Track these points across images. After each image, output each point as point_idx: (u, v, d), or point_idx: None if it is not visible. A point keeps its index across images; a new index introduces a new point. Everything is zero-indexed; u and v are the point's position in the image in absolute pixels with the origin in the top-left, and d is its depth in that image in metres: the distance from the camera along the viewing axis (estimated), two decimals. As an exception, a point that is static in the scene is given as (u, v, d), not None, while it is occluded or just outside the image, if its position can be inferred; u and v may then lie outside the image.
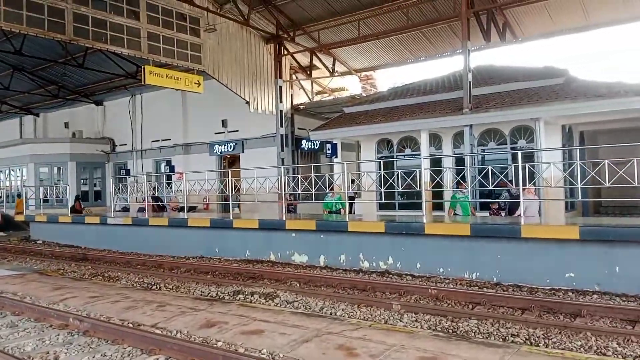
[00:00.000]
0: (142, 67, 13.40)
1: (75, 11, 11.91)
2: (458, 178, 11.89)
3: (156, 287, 8.58)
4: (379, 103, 14.89)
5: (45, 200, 21.07)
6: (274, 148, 18.88)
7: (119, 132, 24.45)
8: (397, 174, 9.99)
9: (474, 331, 5.67)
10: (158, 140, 22.85)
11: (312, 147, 20.12)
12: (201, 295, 7.86)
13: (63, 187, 18.72)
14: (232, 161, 22.39)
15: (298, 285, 8.32)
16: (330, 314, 6.47)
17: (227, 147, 20.34)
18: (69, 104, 25.81)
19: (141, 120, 23.39)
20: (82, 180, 24.12)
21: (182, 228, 12.67)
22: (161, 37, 13.74)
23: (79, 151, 24.05)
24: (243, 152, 19.98)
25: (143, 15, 13.17)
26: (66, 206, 20.56)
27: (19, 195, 21.90)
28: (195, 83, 14.52)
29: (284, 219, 10.98)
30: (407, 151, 14.72)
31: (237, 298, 7.47)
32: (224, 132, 20.53)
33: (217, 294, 7.87)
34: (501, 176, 9.56)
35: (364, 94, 18.69)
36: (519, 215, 8.73)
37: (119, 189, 17.69)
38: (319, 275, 8.94)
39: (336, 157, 14.74)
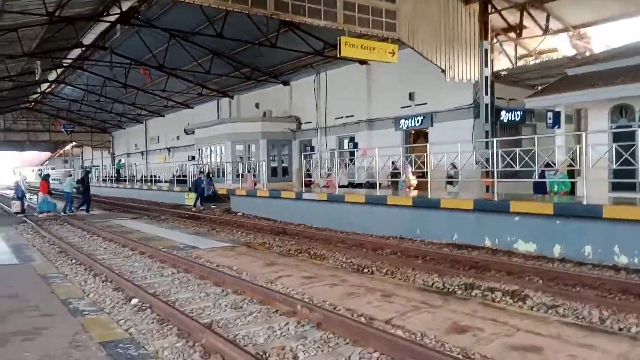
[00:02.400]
0: (338, 38, 12.80)
1: (276, -15, 11.73)
2: None
3: (368, 271, 7.81)
4: (615, 61, 12.08)
5: (241, 175, 22.56)
6: (467, 121, 17.08)
7: (304, 110, 24.92)
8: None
9: None
10: (342, 117, 22.65)
11: (513, 118, 17.71)
12: (424, 285, 6.82)
13: (258, 163, 19.57)
14: (416, 136, 21.14)
15: (541, 282, 6.75)
16: (620, 329, 4.84)
17: (414, 121, 19.11)
18: (259, 86, 27.17)
19: (325, 98, 23.41)
20: (271, 157, 25.26)
21: (380, 206, 11.88)
22: (356, 5, 12.95)
23: (269, 129, 25.19)
24: (432, 125, 18.55)
25: (339, -17, 12.52)
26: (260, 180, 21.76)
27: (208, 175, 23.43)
28: (389, 52, 13.52)
29: (506, 200, 9.35)
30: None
31: (473, 294, 6.24)
32: (410, 106, 19.31)
33: (443, 285, 6.74)
34: None
35: (587, 54, 15.65)
36: None
37: (306, 164, 17.85)
38: (571, 271, 7.21)
39: (559, 127, 12.42)
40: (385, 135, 20.00)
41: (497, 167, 10.97)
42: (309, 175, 18.64)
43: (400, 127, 19.63)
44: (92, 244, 11.34)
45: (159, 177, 32.72)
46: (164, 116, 38.55)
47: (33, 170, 60.61)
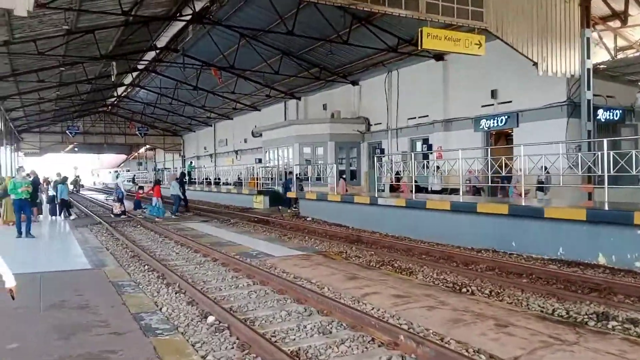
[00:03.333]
0: (419, 30, 11.81)
1: (354, -26, 10.93)
2: None
3: (467, 290, 6.79)
4: None
5: (306, 179, 21.98)
6: (559, 120, 15.46)
7: (374, 110, 23.96)
8: None
9: None
10: (414, 118, 21.47)
11: (611, 117, 16.02)
12: (542, 311, 5.72)
13: (328, 165, 18.88)
14: (497, 138, 19.63)
15: (692, 314, 5.47)
16: None
17: (497, 121, 17.64)
18: (327, 86, 26.53)
19: (397, 98, 22.34)
20: (339, 160, 24.50)
21: (468, 214, 10.75)
22: (440, -8, 11.90)
23: (337, 131, 24.46)
24: (517, 126, 17.00)
25: (420, -30, 11.53)
26: (326, 184, 21.07)
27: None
28: (475, 44, 12.34)
29: (629, 210, 7.99)
30: None
31: (610, 326, 5.09)
32: (493, 105, 17.85)
33: (567, 313, 5.62)
34: None
35: None
36: None
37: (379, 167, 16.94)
38: None
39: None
40: (464, 136, 18.65)
41: (606, 171, 9.60)
42: (398, 180, 17.73)
43: (481, 127, 18.21)
44: (164, 248, 11.05)
45: (227, 179, 32.99)
46: (232, 119, 38.93)
47: (110, 172, 63.67)
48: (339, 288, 6.86)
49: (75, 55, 21.62)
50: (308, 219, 17.09)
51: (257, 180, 26.13)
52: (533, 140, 13.63)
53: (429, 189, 17.39)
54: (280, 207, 20.11)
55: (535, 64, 13.59)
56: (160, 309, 5.82)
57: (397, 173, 18.61)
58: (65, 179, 21.16)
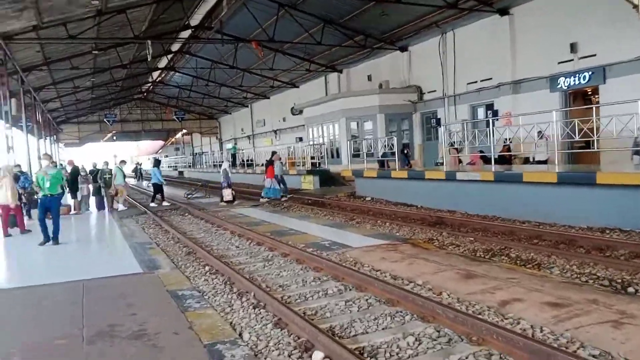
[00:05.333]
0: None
1: None
2: None
3: (635, 290, 5.06)
4: None
5: (356, 155, 20.23)
6: (658, 73, 13.20)
7: (427, 78, 21.90)
8: None
9: None
10: (476, 82, 19.33)
11: None
12: None
13: (388, 140, 17.14)
14: (574, 98, 17.34)
15: None
16: None
17: (579, 78, 15.38)
18: (372, 55, 24.54)
19: (454, 61, 20.21)
20: (390, 133, 22.65)
21: (582, 187, 8.88)
22: None
23: (387, 102, 22.59)
24: (604, 82, 14.75)
25: None
26: (374, 160, 19.29)
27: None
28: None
29: None
30: None
31: None
32: (572, 60, 15.58)
33: None
34: None
35: None
36: None
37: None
38: None
39: None
40: (536, 98, 16.49)
41: None
42: (457, 151, 15.90)
43: (559, 86, 15.98)
44: (220, 240, 9.67)
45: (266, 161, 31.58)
46: (269, 98, 37.44)
47: (149, 159, 63.51)
48: (460, 292, 5.25)
49: (108, 38, 20.42)
50: (367, 198, 15.51)
51: (304, 159, 24.64)
52: (623, 98, 11.43)
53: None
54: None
55: (636, 6, 11.32)
56: (241, 336, 4.34)
57: (460, 144, 16.67)
58: (159, 162, 20.11)
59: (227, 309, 5.16)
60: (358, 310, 4.91)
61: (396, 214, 11.77)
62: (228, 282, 6.21)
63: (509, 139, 14.23)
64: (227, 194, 17.22)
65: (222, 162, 21.18)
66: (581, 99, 17.24)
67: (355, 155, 20.16)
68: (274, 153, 18.96)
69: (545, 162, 13.75)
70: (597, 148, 11.17)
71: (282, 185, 17.61)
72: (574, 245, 7.27)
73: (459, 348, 3.85)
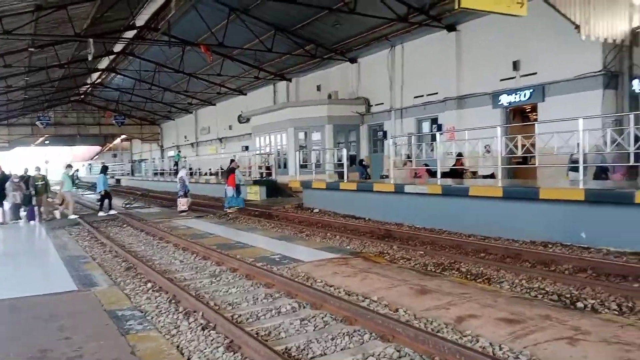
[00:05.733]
0: (457, -14, 10.05)
1: None
2: None
3: (584, 306, 5.17)
4: None
5: (304, 166, 20.07)
6: (593, 93, 13.96)
7: (375, 90, 22.17)
8: None
9: None
10: (422, 96, 19.75)
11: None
12: None
13: (337, 150, 17.08)
14: (514, 115, 18.06)
15: None
16: None
17: (520, 96, 16.05)
18: (321, 65, 24.60)
19: (402, 75, 20.58)
20: (338, 144, 22.70)
21: (524, 202, 9.14)
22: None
23: (336, 113, 22.65)
24: (543, 100, 15.45)
25: None
26: (323, 172, 19.18)
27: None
28: (518, 3, 10.64)
29: None
30: None
31: None
32: (514, 77, 16.23)
33: None
34: None
35: None
36: None
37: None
38: None
39: None
40: (479, 114, 17.06)
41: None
42: (405, 164, 16.01)
43: (500, 103, 16.61)
44: (163, 254, 9.15)
45: (210, 170, 30.89)
46: (215, 105, 36.67)
47: (83, 165, 60.43)
48: (416, 308, 5.16)
49: (46, 35, 19.22)
50: (315, 210, 15.35)
51: (250, 169, 24.21)
52: (561, 115, 12.04)
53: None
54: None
55: (578, 27, 11.98)
56: (189, 361, 4.01)
57: (408, 157, 16.91)
58: (106, 168, 18.84)
59: (173, 331, 4.79)
60: (314, 330, 4.69)
61: (346, 227, 11.67)
62: (173, 301, 5.81)
63: (460, 153, 14.57)
64: (183, 203, 16.53)
65: (177, 169, 20.32)
66: (519, 116, 17.99)
67: (303, 166, 20.02)
68: (232, 160, 18.43)
69: (490, 176, 14.14)
70: (536, 164, 11.63)
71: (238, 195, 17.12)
72: (519, 260, 7.42)
73: (421, 371, 3.72)
